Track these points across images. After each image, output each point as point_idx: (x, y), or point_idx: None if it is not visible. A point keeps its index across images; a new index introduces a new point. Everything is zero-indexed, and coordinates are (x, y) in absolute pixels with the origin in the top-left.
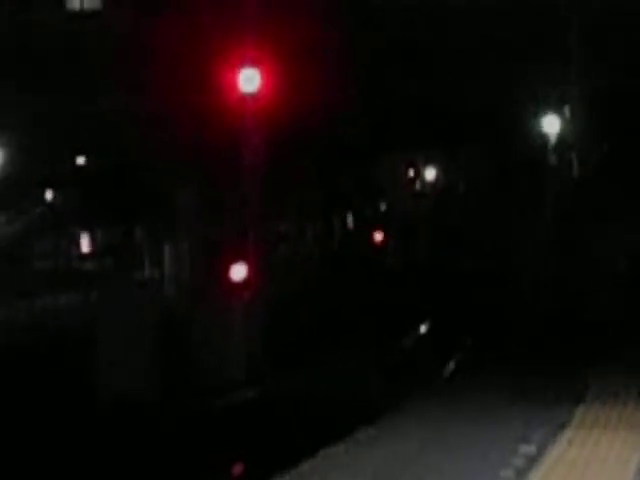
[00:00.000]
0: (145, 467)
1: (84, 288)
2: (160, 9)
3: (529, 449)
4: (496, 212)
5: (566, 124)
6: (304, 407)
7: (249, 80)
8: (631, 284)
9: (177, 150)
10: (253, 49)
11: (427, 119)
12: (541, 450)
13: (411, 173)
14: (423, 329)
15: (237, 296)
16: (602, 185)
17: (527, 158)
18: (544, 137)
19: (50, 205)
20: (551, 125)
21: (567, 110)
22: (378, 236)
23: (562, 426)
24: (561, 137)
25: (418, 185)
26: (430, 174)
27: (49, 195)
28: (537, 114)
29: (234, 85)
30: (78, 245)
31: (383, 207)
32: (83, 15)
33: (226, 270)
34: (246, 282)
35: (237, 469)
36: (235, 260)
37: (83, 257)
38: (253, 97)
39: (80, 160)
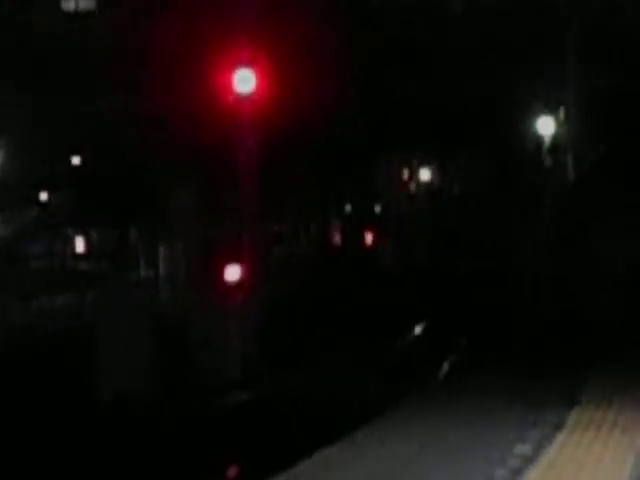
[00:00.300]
0: (144, 467)
1: (80, 289)
2: (155, 10)
3: (525, 449)
4: (495, 212)
5: (562, 125)
6: (301, 407)
7: (245, 80)
8: (630, 284)
9: (174, 150)
10: (249, 49)
11: (425, 119)
12: (537, 451)
13: (406, 174)
14: (421, 330)
15: (231, 297)
16: (601, 184)
17: (525, 158)
18: (541, 138)
19: (46, 205)
20: (546, 126)
21: (563, 111)
22: (369, 237)
23: (558, 427)
24: (556, 138)
25: (413, 186)
26: (425, 175)
27: (45, 195)
28: (536, 114)
29: (230, 85)
30: (73, 245)
31: (378, 208)
32: (78, 16)
33: (221, 271)
34: (240, 283)
35: (234, 469)
36: (230, 261)
37: (79, 257)
38: (249, 97)
39: (76, 160)
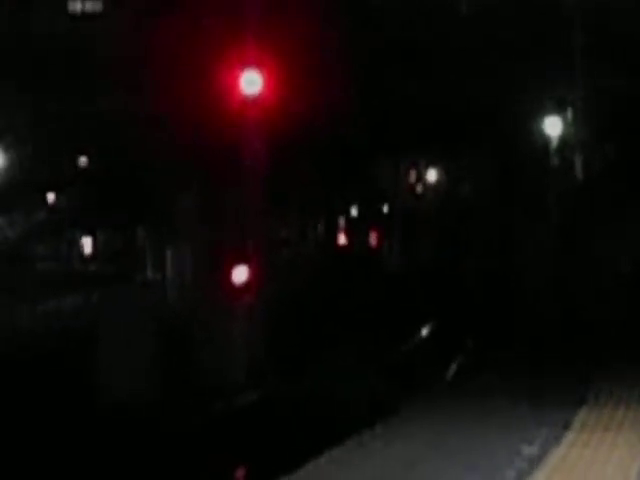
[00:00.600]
0: (146, 468)
1: (86, 290)
2: (160, 10)
3: (532, 450)
4: (499, 213)
5: (568, 125)
6: (306, 409)
7: (251, 82)
8: (634, 284)
9: (179, 152)
10: (254, 50)
11: (427, 119)
12: (544, 452)
13: (413, 175)
14: (425, 330)
15: (238, 299)
16: (605, 185)
17: (531, 158)
18: (547, 138)
19: (52, 207)
20: (553, 126)
21: (570, 111)
22: (373, 237)
23: (565, 427)
24: (563, 138)
25: (420, 187)
26: (432, 176)
27: (51, 197)
28: (540, 114)
29: (235, 86)
30: (80, 247)
31: (385, 209)
32: (84, 17)
33: (228, 272)
34: (247, 285)
35: (239, 471)
36: (237, 262)
37: (85, 259)
38: (254, 99)
39: (82, 161)
